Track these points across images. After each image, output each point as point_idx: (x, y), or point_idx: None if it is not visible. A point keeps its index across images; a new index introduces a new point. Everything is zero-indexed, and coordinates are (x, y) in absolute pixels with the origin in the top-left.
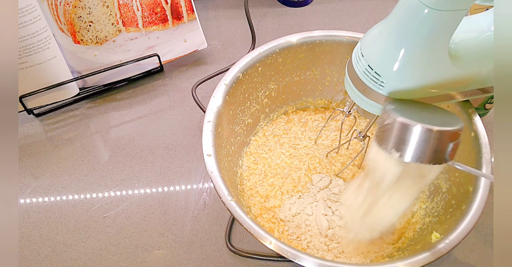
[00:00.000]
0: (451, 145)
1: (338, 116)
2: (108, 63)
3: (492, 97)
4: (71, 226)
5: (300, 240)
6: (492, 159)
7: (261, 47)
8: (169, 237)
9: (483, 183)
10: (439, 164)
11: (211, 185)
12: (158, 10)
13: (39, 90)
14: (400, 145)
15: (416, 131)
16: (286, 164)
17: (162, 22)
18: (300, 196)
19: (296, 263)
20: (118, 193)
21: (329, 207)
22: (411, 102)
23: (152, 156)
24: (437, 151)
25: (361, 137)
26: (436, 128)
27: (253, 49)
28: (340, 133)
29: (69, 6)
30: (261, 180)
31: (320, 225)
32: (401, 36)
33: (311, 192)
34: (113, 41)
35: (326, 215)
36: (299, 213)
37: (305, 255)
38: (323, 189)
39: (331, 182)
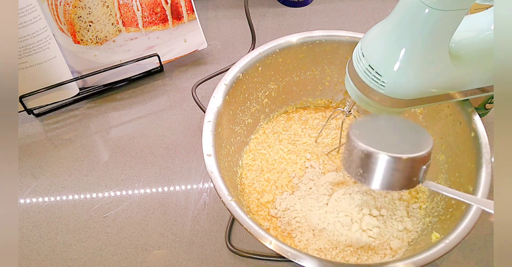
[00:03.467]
0: (423, 168)
1: (339, 116)
2: (108, 63)
3: (492, 97)
4: (71, 226)
5: (291, 237)
6: (492, 159)
7: (261, 47)
8: (169, 237)
9: (483, 183)
10: (412, 188)
11: (211, 185)
12: (158, 10)
13: (39, 90)
14: (367, 173)
15: (383, 160)
16: (284, 159)
17: (162, 22)
18: (293, 191)
19: (296, 263)
20: (118, 193)
21: (320, 202)
22: (377, 121)
23: (152, 156)
24: (409, 178)
25: None
26: (405, 156)
27: (253, 49)
28: (341, 133)
29: (69, 6)
30: (258, 176)
31: (310, 222)
32: (401, 36)
33: (302, 188)
34: (113, 41)
35: (319, 210)
36: (289, 209)
37: (305, 255)
38: (315, 185)
39: (324, 177)
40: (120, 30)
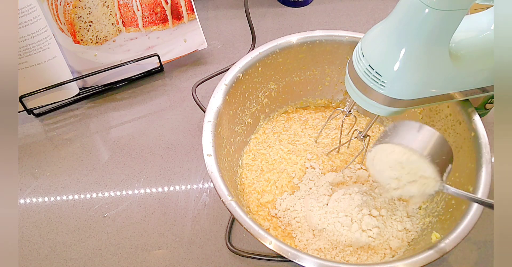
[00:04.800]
0: (450, 166)
1: (339, 116)
2: (108, 63)
3: (492, 97)
4: (71, 226)
5: (291, 237)
6: (492, 159)
7: (261, 47)
8: (169, 237)
9: (483, 183)
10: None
11: (211, 185)
12: (158, 10)
13: (39, 90)
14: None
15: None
16: (284, 160)
17: (162, 22)
18: (293, 191)
19: (296, 263)
20: (118, 193)
21: (320, 202)
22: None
23: (152, 156)
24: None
25: (361, 137)
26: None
27: (253, 49)
28: (341, 133)
29: (69, 6)
30: (258, 176)
31: (310, 222)
32: (401, 36)
33: (302, 188)
34: (113, 41)
35: (319, 210)
36: (289, 209)
37: (305, 255)
38: (315, 185)
39: (324, 177)
40: (120, 30)
